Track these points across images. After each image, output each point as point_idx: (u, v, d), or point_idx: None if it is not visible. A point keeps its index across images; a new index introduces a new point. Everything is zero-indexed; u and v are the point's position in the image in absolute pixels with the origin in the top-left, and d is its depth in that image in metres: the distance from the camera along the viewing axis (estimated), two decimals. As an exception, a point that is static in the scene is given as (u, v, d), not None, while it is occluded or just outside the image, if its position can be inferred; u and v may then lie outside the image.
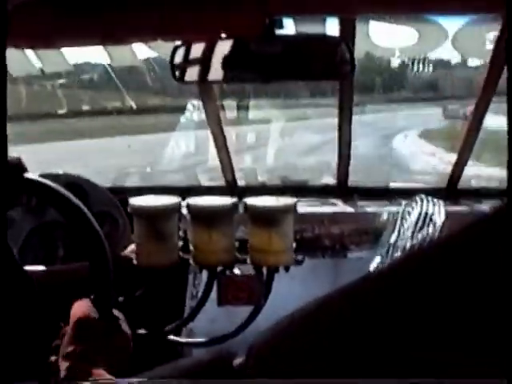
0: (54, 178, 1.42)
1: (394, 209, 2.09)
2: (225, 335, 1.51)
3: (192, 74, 1.35)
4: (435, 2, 1.02)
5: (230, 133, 2.51)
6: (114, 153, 7.70)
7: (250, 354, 0.37)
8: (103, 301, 1.04)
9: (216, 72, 1.11)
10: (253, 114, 6.18)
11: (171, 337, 1.52)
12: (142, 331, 1.41)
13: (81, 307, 1.02)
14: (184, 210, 1.43)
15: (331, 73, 1.08)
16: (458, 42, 2.36)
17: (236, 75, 1.08)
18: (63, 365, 0.93)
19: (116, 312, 1.04)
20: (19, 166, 1.02)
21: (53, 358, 0.96)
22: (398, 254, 1.85)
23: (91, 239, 1.11)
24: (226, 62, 1.04)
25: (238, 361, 0.38)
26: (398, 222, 1.96)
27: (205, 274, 1.49)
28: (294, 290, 1.61)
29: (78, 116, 6.67)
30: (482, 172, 4.28)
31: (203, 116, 2.22)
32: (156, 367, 0.62)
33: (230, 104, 4.56)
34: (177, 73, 1.32)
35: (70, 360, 0.94)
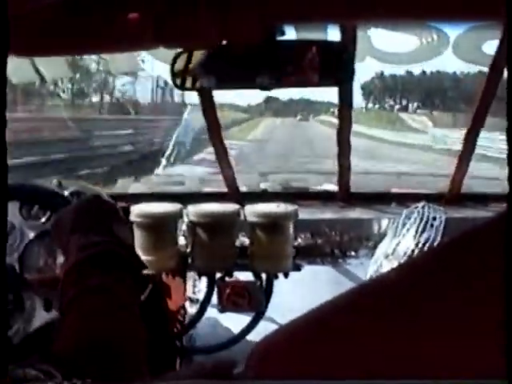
0: (57, 185, 1.42)
1: (394, 215, 2.09)
2: (225, 342, 1.50)
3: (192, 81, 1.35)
4: (436, 10, 1.03)
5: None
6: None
7: (249, 364, 0.37)
8: None
9: (214, 79, 1.11)
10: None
11: (172, 343, 1.51)
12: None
13: None
14: (186, 217, 1.43)
15: (330, 79, 1.09)
16: (459, 48, 2.36)
17: (233, 82, 1.08)
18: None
19: None
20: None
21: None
22: (399, 260, 1.85)
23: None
24: (223, 68, 1.05)
25: (237, 370, 0.38)
26: (399, 228, 1.96)
27: (204, 280, 1.49)
28: (293, 295, 1.61)
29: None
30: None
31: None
32: (156, 374, 0.62)
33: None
34: (177, 80, 1.33)
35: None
